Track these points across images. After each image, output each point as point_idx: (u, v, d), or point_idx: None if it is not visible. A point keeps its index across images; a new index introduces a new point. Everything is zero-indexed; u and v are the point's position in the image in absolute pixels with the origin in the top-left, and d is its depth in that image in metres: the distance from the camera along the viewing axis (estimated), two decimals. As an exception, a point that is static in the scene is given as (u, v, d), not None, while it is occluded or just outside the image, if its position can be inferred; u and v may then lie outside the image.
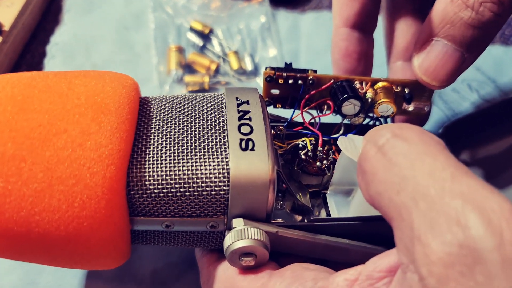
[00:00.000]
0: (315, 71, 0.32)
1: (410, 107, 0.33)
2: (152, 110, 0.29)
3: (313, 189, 0.32)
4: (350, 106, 0.31)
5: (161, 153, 0.26)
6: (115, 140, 0.25)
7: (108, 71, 0.30)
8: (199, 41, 0.51)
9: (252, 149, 0.26)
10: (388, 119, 0.34)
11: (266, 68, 0.32)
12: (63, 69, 0.49)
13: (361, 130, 0.33)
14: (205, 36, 0.52)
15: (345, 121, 0.33)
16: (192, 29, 0.52)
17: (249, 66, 0.50)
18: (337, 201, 0.31)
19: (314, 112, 0.33)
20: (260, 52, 0.52)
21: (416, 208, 0.19)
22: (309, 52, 0.52)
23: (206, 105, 0.29)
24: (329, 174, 0.31)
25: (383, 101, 0.31)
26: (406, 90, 0.33)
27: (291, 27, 0.53)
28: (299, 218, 0.30)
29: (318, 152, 0.31)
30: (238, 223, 0.26)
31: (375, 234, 0.28)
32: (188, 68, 0.50)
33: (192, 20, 0.53)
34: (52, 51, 0.51)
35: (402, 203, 0.19)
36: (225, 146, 0.26)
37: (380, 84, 0.32)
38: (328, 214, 0.31)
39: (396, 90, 0.32)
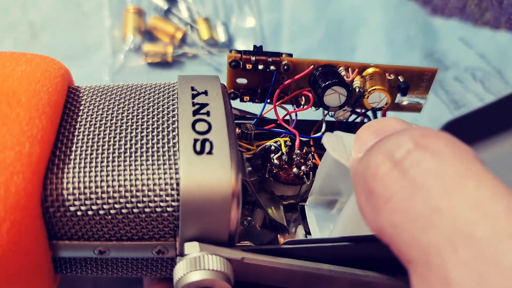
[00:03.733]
0: (290, 55, 0.28)
1: (405, 100, 0.29)
2: (82, 103, 0.25)
3: (288, 201, 0.29)
4: (335, 95, 0.27)
5: (90, 158, 0.22)
6: (24, 140, 0.20)
7: (28, 53, 0.25)
8: (163, 4, 0.47)
9: (210, 152, 0.22)
10: (378, 113, 0.30)
11: (230, 51, 0.29)
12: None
13: (347, 128, 0.30)
14: (171, -2, 0.48)
15: (328, 118, 0.30)
16: (156, -11, 0.49)
17: (221, 37, 0.46)
18: (317, 215, 0.28)
19: (289, 107, 0.30)
20: (236, 21, 0.48)
21: (454, 255, 0.15)
22: (294, 25, 0.47)
23: (153, 96, 0.25)
24: (308, 183, 0.28)
25: (375, 89, 0.26)
26: (401, 79, 0.29)
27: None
28: (271, 237, 0.27)
29: (294, 156, 0.28)
30: (192, 248, 0.22)
31: (365, 256, 0.24)
32: (149, 35, 0.46)
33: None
34: (-22, 4, 0.47)
35: (432, 245, 0.15)
36: (174, 149, 0.22)
37: (370, 70, 0.28)
38: (307, 231, 0.28)
39: (389, 77, 0.28)
